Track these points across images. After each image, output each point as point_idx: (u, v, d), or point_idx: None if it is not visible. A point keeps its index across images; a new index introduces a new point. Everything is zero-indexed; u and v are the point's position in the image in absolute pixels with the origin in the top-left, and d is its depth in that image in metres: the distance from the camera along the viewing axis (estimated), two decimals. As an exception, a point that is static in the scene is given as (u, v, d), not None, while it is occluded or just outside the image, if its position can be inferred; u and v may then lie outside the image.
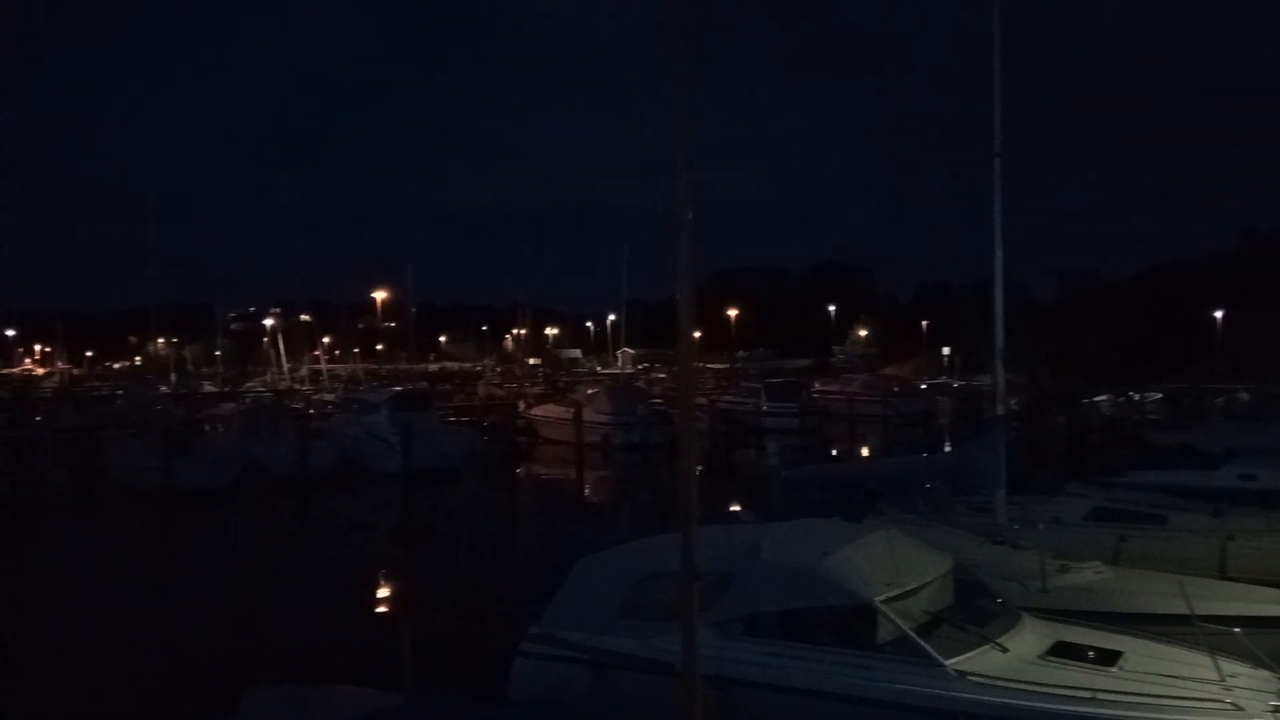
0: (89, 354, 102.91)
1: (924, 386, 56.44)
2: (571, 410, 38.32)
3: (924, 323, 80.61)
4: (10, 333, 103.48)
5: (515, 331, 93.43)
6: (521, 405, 44.21)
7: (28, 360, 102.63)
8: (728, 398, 46.43)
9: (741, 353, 77.93)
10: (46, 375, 78.50)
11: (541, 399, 45.96)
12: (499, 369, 73.99)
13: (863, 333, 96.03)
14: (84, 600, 15.65)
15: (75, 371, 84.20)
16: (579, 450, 35.55)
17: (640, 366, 74.78)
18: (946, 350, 72.97)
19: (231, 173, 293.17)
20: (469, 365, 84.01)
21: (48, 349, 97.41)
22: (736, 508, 15.76)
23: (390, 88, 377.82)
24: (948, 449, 30.66)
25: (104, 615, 14.42)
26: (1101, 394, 45.13)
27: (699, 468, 4.23)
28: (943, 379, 62.84)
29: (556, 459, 35.45)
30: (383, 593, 15.87)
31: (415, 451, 28.78)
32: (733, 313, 76.82)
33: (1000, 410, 11.97)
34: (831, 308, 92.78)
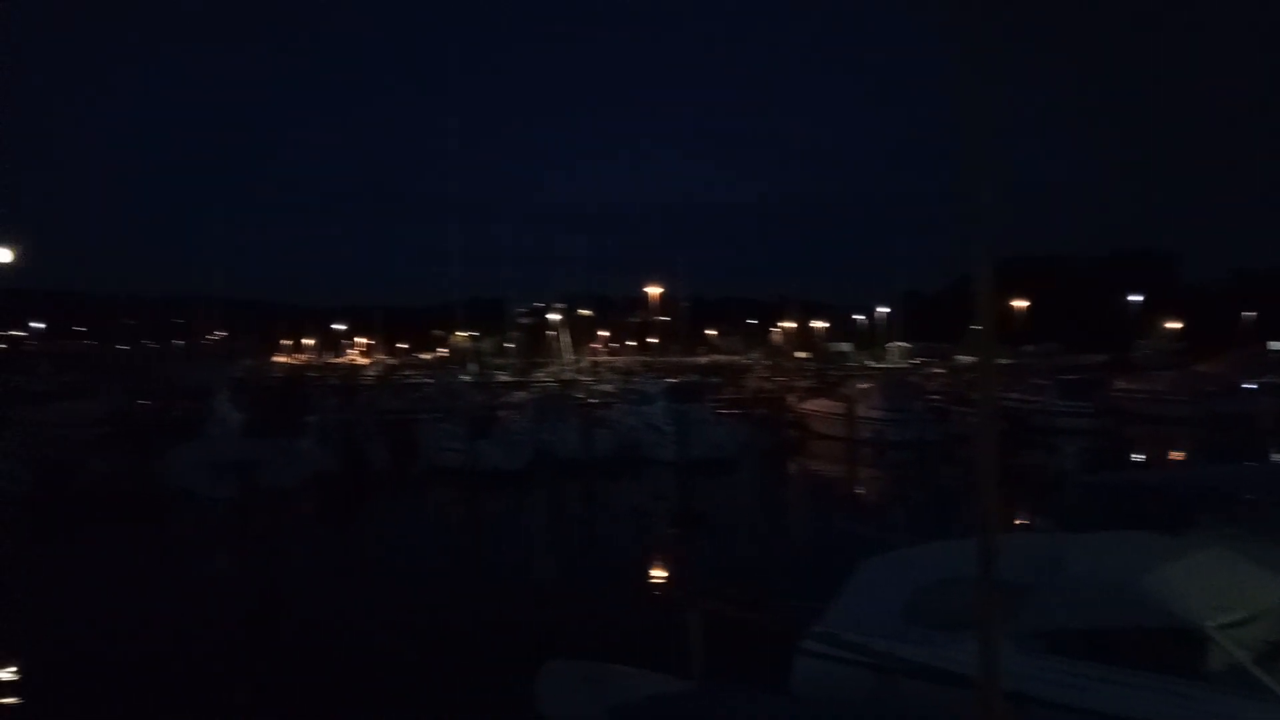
0: (402, 345, 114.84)
1: (1249, 386, 49.90)
2: (843, 405, 37.69)
3: (1243, 314, 71.39)
4: (339, 326, 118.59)
5: (783, 325, 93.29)
6: (792, 399, 44.09)
7: (351, 351, 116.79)
8: (1013, 395, 43.61)
9: (1029, 347, 72.84)
10: (368, 364, 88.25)
11: (812, 393, 45.55)
12: (768, 362, 74.13)
13: (1172, 325, 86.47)
14: (406, 567, 17.49)
15: (391, 361, 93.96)
16: (851, 446, 34.93)
17: (914, 361, 71.99)
18: (1275, 345, 64.22)
19: (512, 174, 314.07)
20: (737, 358, 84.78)
21: (370, 341, 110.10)
22: (1029, 516, 14.78)
23: (666, 88, 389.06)
24: (1278, 457, 27.04)
25: (423, 583, 16.04)
26: None
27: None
28: (1269, 377, 55.29)
29: (828, 454, 35.02)
30: (668, 578, 16.44)
31: (690, 441, 29.71)
32: (1019, 304, 72.08)
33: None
34: (1133, 298, 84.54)
